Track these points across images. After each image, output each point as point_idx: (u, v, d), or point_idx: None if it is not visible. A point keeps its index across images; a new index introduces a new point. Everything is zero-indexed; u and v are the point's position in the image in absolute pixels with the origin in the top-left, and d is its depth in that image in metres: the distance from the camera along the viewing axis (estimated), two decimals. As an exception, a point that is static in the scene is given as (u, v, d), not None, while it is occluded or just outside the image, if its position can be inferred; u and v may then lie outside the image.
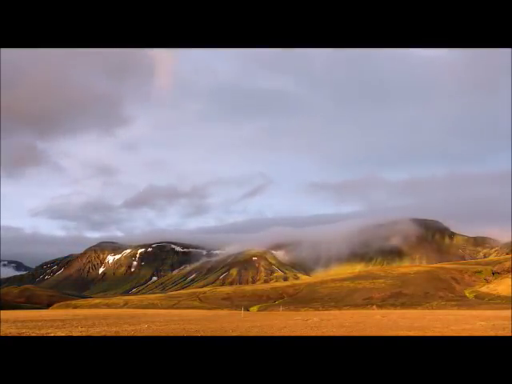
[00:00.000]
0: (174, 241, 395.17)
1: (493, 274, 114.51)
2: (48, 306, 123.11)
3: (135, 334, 25.29)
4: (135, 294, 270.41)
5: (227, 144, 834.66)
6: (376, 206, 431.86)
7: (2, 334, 24.59)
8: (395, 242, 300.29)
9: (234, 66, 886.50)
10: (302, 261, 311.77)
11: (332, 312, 67.91)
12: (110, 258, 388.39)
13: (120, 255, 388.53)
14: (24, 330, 27.41)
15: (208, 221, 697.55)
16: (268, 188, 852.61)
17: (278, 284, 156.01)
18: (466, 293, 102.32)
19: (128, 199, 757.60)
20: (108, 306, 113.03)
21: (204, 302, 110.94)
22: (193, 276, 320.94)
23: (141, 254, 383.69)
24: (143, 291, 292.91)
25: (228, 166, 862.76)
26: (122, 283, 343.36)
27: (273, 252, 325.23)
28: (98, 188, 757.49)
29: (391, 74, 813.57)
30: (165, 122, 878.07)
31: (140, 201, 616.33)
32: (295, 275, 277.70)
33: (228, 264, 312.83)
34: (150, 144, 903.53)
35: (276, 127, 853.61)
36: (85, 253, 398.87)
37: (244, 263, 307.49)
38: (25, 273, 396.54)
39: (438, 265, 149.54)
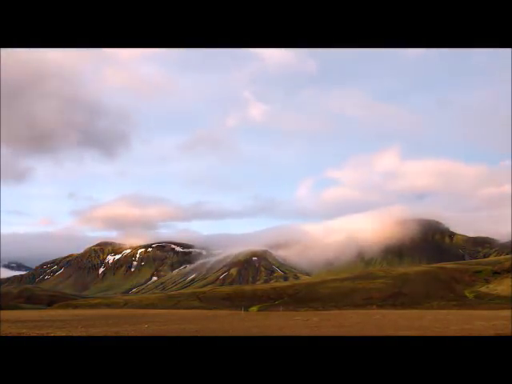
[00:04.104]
0: (174, 241, 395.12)
1: (493, 273, 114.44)
2: (48, 305, 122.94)
3: (135, 334, 25.30)
4: (135, 294, 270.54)
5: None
6: (376, 206, 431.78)
7: (2, 333, 24.59)
8: (395, 241, 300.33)
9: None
10: (302, 261, 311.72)
11: (332, 312, 67.88)
12: (110, 258, 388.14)
13: (120, 255, 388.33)
14: (24, 330, 27.44)
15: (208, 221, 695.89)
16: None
17: (277, 284, 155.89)
18: (466, 293, 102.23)
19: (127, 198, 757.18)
20: (108, 306, 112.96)
21: (204, 302, 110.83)
22: (193, 276, 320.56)
23: (141, 253, 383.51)
24: (143, 291, 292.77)
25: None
26: (122, 283, 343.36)
27: (273, 252, 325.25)
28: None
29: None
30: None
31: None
32: (295, 275, 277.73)
33: (228, 264, 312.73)
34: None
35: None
36: (85, 253, 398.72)
37: (244, 263, 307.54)
38: (25, 273, 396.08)
39: (438, 265, 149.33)
